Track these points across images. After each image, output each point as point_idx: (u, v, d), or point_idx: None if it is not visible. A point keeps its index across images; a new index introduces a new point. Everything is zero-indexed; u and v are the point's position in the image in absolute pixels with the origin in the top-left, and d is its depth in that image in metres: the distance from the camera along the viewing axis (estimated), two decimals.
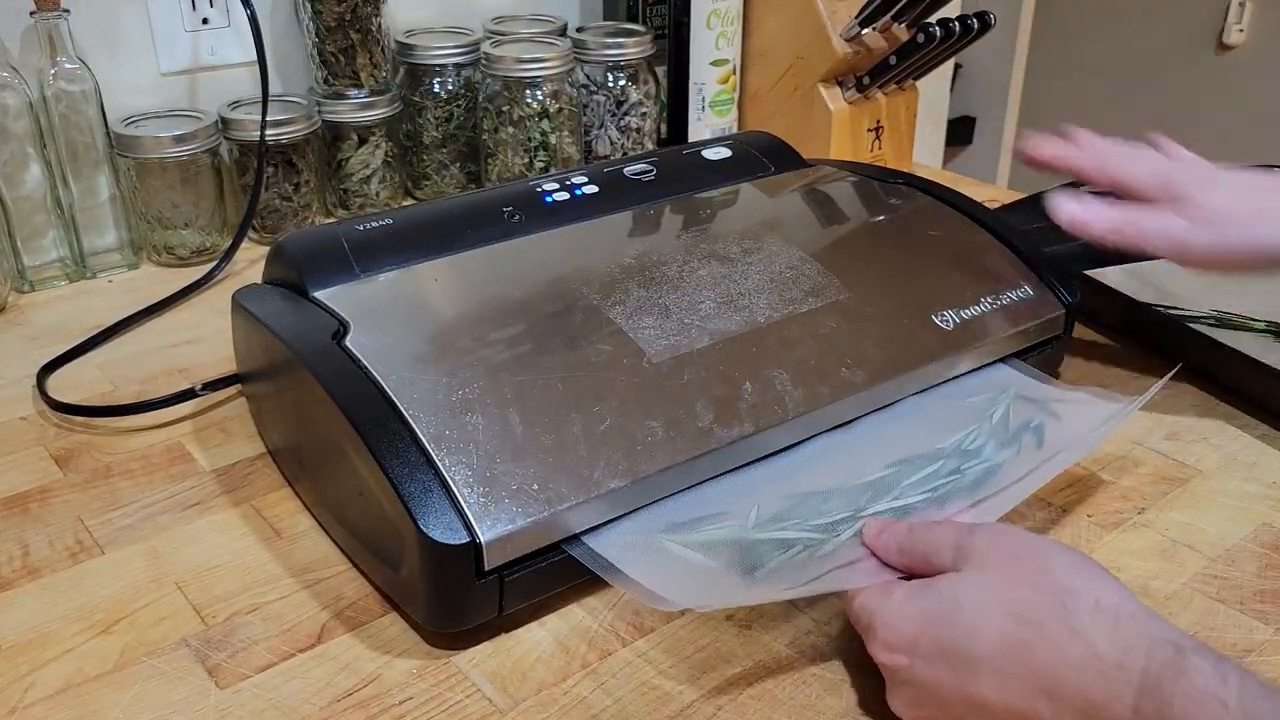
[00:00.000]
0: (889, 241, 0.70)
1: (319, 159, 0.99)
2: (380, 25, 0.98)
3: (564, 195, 0.72)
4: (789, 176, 0.81)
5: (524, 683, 0.52)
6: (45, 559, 0.59)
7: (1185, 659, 0.41)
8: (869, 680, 0.50)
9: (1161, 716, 0.40)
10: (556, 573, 0.54)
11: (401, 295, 0.64)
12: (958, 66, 1.45)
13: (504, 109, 0.99)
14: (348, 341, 0.58)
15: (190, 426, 0.71)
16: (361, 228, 0.67)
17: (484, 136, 1.02)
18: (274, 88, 0.93)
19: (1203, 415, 0.72)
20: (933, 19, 0.99)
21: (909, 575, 0.51)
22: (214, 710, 0.50)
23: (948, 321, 0.67)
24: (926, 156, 1.55)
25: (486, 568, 0.51)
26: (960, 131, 2.29)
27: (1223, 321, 0.80)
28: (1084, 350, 0.80)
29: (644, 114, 1.06)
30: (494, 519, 0.51)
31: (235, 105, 0.96)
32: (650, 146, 1.08)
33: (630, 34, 1.04)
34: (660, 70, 1.07)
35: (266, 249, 0.68)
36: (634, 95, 1.04)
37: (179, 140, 0.90)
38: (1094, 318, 0.81)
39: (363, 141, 1.00)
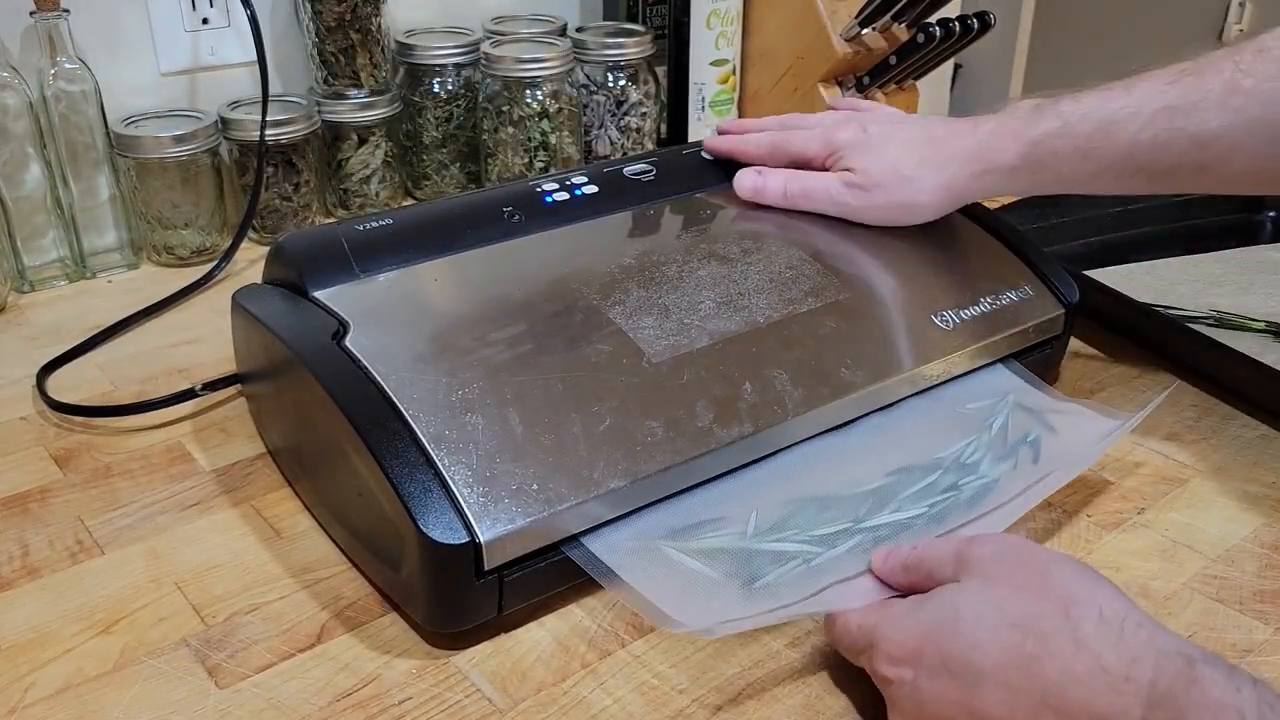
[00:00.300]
0: (889, 241, 0.70)
1: (319, 159, 0.99)
2: (380, 25, 0.98)
3: (564, 195, 0.72)
4: None
5: (524, 683, 0.52)
6: (45, 559, 0.59)
7: (1195, 669, 0.40)
8: (869, 680, 0.50)
9: None
10: (556, 573, 0.54)
11: (401, 295, 0.64)
12: (958, 66, 1.45)
13: (504, 109, 0.99)
14: (347, 341, 0.58)
15: (190, 426, 0.71)
16: (361, 228, 0.67)
17: (484, 136, 1.02)
18: (274, 88, 0.93)
19: (1202, 415, 0.72)
20: (933, 19, 0.99)
21: (909, 594, 0.50)
22: (214, 710, 0.50)
23: (947, 321, 0.68)
24: None
25: (486, 568, 0.51)
26: None
27: (1222, 322, 0.80)
28: (1084, 350, 0.80)
29: (644, 114, 1.06)
30: (494, 519, 0.51)
31: (235, 105, 0.96)
32: (650, 146, 1.08)
33: (630, 34, 1.04)
34: (660, 70, 1.07)
35: (266, 249, 0.68)
36: (634, 95, 1.04)
37: (179, 140, 0.89)
38: (1094, 318, 0.81)
39: (363, 141, 1.00)
